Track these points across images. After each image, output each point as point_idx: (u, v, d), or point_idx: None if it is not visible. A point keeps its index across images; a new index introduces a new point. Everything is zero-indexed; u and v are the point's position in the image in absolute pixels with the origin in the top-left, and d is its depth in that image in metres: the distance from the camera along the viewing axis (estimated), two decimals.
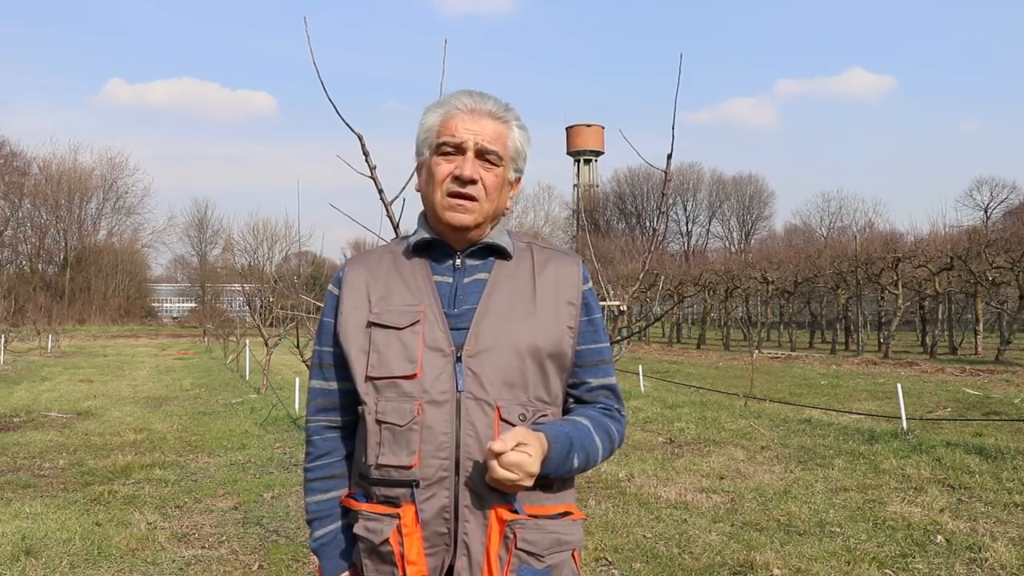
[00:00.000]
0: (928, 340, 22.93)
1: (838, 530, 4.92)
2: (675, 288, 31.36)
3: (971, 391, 12.45)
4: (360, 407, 1.49)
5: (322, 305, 1.64)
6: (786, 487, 6.05)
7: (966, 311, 26.45)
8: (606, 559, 4.46)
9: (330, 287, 1.61)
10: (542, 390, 1.49)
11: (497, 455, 1.34)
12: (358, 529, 1.48)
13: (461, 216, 1.49)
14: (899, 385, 9.10)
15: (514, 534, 1.42)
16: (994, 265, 20.53)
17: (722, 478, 6.45)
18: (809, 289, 29.44)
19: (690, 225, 74.14)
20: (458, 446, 1.42)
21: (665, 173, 2.82)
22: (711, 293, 30.98)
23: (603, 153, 79.92)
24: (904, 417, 8.18)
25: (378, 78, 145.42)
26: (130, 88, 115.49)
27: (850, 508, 5.43)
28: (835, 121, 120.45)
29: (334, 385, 1.57)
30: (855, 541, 4.69)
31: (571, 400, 1.59)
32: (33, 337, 30.15)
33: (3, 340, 20.84)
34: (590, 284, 1.60)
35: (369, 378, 1.47)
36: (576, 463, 1.47)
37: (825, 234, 59.98)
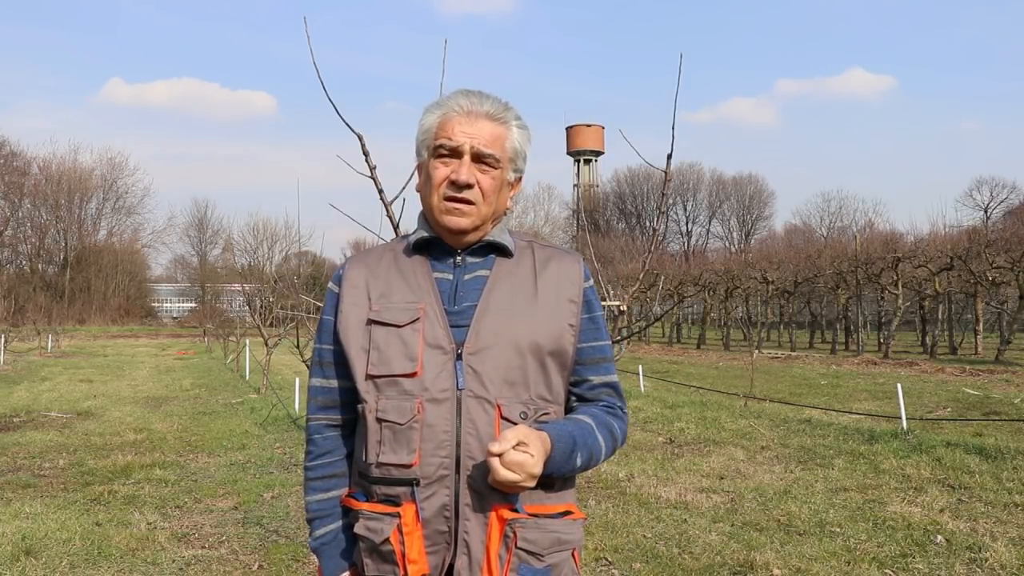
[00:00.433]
0: (928, 340, 22.93)
1: (838, 530, 4.92)
2: (675, 288, 31.35)
3: (971, 391, 12.45)
4: (360, 405, 1.49)
5: (322, 305, 1.64)
6: (786, 487, 6.04)
7: (966, 311, 26.46)
8: (606, 559, 4.46)
9: (330, 285, 1.61)
10: (544, 388, 1.48)
11: (497, 456, 1.34)
12: (358, 528, 1.47)
13: (458, 220, 1.49)
14: (899, 385, 9.09)
15: (514, 533, 1.41)
16: (994, 265, 20.53)
17: (722, 478, 6.45)
18: (809, 289, 29.44)
19: (690, 225, 74.22)
20: (458, 444, 1.41)
21: (665, 173, 2.82)
22: (711, 293, 30.98)
23: (603, 153, 79.95)
24: (904, 417, 8.18)
25: (378, 78, 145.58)
26: (130, 88, 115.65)
27: (850, 508, 5.43)
28: (835, 121, 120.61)
29: (334, 383, 1.57)
30: (855, 541, 4.68)
31: (573, 398, 1.58)
32: (33, 337, 30.14)
33: (3, 340, 20.84)
34: (591, 282, 1.60)
35: (369, 376, 1.47)
36: (579, 462, 1.47)
37: (825, 234, 60.01)
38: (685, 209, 73.92)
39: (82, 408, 10.99)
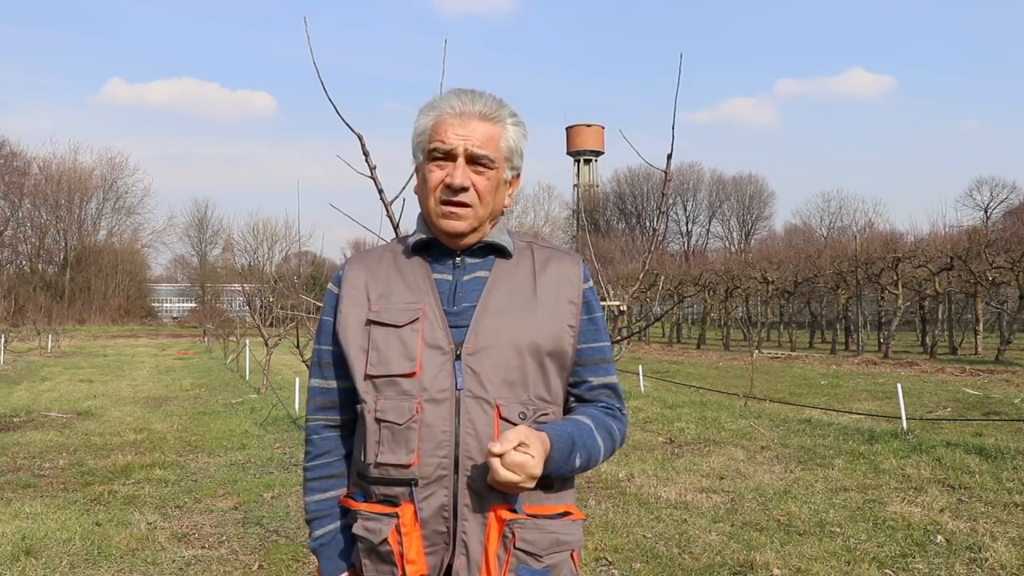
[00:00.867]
0: (928, 340, 22.93)
1: (838, 530, 4.92)
2: (675, 288, 31.35)
3: (971, 391, 12.45)
4: (359, 405, 1.49)
5: (322, 305, 1.64)
6: (786, 487, 6.04)
7: (966, 311, 26.45)
8: (606, 559, 4.46)
9: (330, 286, 1.61)
10: (543, 389, 1.48)
11: (498, 456, 1.33)
12: (357, 529, 1.47)
13: (455, 224, 1.49)
14: (899, 385, 9.09)
15: (513, 533, 1.41)
16: (994, 265, 20.52)
17: (722, 478, 6.45)
18: (809, 289, 29.44)
19: (690, 225, 74.22)
20: (457, 444, 1.41)
21: (665, 173, 2.82)
22: (711, 293, 30.97)
23: (603, 153, 79.94)
24: (904, 417, 8.18)
25: (378, 78, 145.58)
26: (130, 88, 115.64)
27: (850, 508, 5.43)
28: (835, 121, 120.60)
29: (333, 384, 1.57)
30: (855, 541, 4.68)
31: (572, 399, 1.58)
32: (33, 337, 30.14)
33: (3, 340, 20.84)
34: (591, 283, 1.59)
35: (368, 376, 1.47)
36: (578, 462, 1.46)
37: (825, 234, 60.00)
38: (685, 209, 73.96)
39: (82, 408, 10.99)
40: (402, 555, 1.41)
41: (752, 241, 68.60)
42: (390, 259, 1.57)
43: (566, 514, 1.49)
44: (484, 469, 1.39)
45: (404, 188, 2.53)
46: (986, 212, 56.18)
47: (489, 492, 1.41)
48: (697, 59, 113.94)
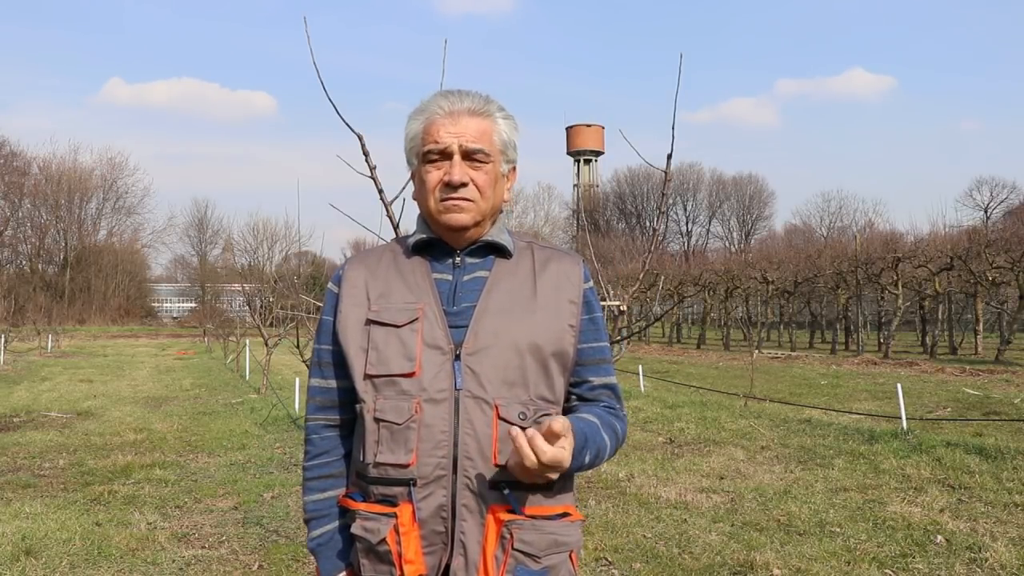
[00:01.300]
0: (928, 340, 22.92)
1: (838, 530, 4.92)
2: (675, 288, 31.35)
3: (971, 391, 12.45)
4: (358, 405, 1.49)
5: (322, 305, 1.64)
6: (786, 487, 6.04)
7: (966, 311, 26.45)
8: (606, 559, 4.46)
9: (330, 285, 1.61)
10: (544, 388, 1.48)
11: (538, 453, 1.30)
12: (355, 529, 1.47)
13: (459, 216, 1.49)
14: (899, 385, 9.09)
15: (511, 534, 1.41)
16: (994, 265, 20.52)
17: (722, 478, 6.45)
18: (809, 289, 29.44)
19: (690, 225, 74.20)
20: (456, 444, 1.41)
21: (665, 173, 2.82)
22: (711, 293, 30.97)
23: (603, 153, 79.93)
24: (904, 417, 8.18)
25: (378, 78, 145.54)
26: (130, 88, 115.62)
27: (850, 508, 5.43)
28: (835, 121, 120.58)
29: (333, 384, 1.57)
30: (855, 541, 4.68)
31: (573, 399, 1.58)
32: (33, 337, 30.14)
33: (3, 340, 20.84)
34: (591, 283, 1.59)
35: (368, 376, 1.47)
36: (588, 459, 1.46)
37: (825, 234, 59.99)
38: (685, 209, 73.95)
39: (82, 408, 10.99)
40: (400, 555, 1.41)
41: (752, 241, 68.61)
42: (390, 259, 1.57)
43: (565, 515, 1.49)
44: (483, 469, 1.39)
45: (404, 188, 2.53)
46: (986, 212, 56.20)
47: (488, 492, 1.41)
48: (697, 59, 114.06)
